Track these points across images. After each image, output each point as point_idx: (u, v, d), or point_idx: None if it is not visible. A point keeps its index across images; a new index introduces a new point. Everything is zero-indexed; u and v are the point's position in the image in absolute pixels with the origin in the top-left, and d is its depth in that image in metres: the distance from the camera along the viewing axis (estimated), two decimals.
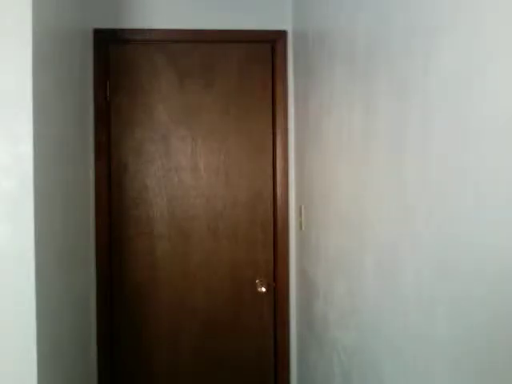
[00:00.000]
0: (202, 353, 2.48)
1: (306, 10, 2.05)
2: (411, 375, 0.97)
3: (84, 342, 2.10)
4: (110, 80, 2.39)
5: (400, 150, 1.01)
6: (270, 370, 2.55)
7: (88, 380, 2.22)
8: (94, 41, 2.32)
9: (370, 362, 1.22)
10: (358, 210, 1.30)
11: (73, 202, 1.94)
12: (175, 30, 2.35)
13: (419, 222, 0.92)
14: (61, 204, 1.70)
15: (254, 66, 2.43)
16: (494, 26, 0.67)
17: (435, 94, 0.85)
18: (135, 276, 2.44)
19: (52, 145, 1.60)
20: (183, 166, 2.45)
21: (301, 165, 2.24)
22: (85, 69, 2.23)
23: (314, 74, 1.87)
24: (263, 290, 2.41)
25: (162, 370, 2.48)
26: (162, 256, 2.44)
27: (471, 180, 0.73)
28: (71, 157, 1.93)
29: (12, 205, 1.38)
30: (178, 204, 2.44)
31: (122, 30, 2.35)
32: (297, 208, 2.32)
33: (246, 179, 2.46)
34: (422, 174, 0.90)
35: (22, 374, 1.39)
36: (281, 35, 2.40)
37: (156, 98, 2.43)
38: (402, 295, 1.01)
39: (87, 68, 2.27)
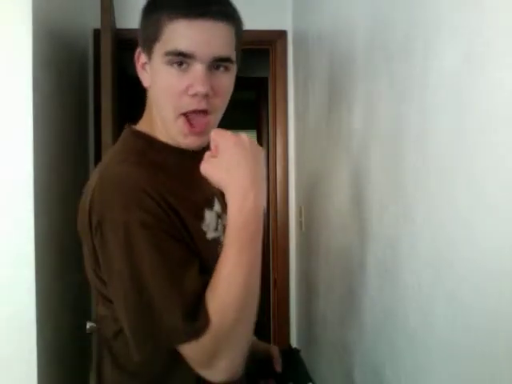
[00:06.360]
0: None
1: (306, 10, 2.05)
2: (411, 375, 0.97)
3: (84, 343, 2.10)
4: None
5: (400, 149, 1.01)
6: None
7: (87, 380, 2.22)
8: (93, 41, 2.32)
9: (370, 362, 1.22)
10: (358, 210, 1.30)
11: (73, 201, 1.93)
12: None
13: (419, 222, 0.92)
14: (61, 204, 1.70)
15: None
16: (494, 26, 0.67)
17: (435, 94, 0.85)
18: None
19: (52, 145, 1.60)
20: None
21: (301, 165, 2.24)
22: (84, 69, 2.23)
23: (314, 74, 1.87)
24: None
25: None
26: None
27: (471, 179, 0.73)
28: (71, 157, 1.93)
29: (12, 204, 1.38)
30: None
31: (122, 30, 2.34)
32: (297, 208, 2.32)
33: None
34: (422, 173, 0.90)
35: (22, 374, 1.39)
36: (281, 35, 2.40)
37: None
38: (402, 295, 1.01)
39: (87, 68, 2.27)
